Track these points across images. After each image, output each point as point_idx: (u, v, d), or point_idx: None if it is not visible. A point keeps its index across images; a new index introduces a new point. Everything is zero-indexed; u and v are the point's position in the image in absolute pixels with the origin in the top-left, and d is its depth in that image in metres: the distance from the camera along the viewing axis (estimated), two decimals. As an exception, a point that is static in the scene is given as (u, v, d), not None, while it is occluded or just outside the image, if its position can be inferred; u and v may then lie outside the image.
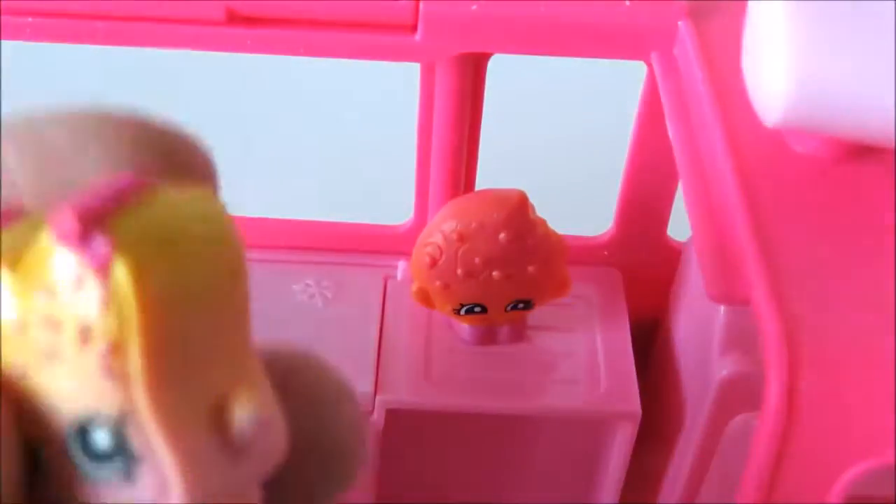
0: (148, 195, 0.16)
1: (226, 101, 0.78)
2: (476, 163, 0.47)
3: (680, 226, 0.46)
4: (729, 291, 0.30)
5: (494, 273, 0.42)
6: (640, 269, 0.49)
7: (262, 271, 0.48)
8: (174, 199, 0.17)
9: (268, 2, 0.39)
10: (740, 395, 0.40)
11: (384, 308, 0.47)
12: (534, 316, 0.45)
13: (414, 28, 0.40)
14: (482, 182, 0.47)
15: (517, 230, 0.41)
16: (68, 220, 0.15)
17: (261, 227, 0.49)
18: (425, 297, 0.43)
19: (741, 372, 0.39)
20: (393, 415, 0.44)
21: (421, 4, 0.40)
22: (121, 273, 0.15)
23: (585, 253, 0.49)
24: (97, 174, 0.17)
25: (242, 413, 0.17)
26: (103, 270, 0.15)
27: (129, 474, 0.17)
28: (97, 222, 0.15)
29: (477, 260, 0.41)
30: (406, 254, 0.48)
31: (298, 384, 0.20)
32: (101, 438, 0.16)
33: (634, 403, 0.44)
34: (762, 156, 0.33)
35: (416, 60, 0.42)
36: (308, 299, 0.47)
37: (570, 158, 0.69)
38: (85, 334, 0.16)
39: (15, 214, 0.17)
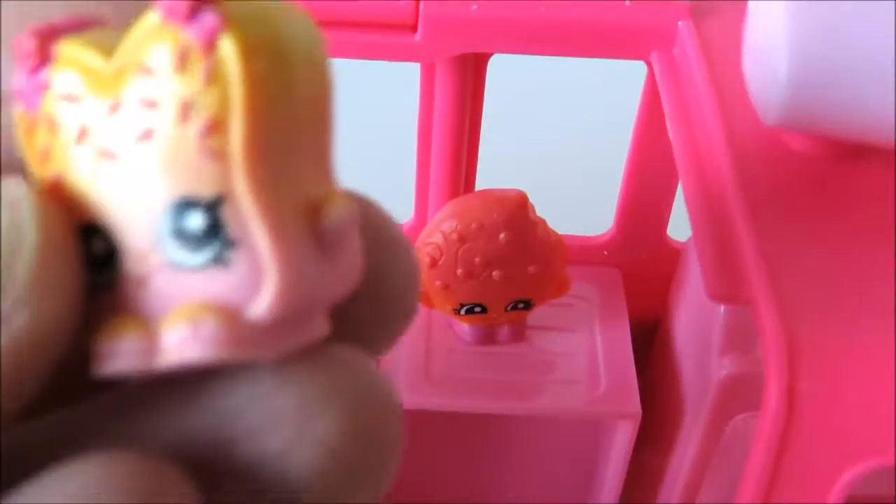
0: None
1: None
2: (476, 163, 0.47)
3: (680, 226, 0.46)
4: (729, 291, 0.30)
5: (494, 273, 0.42)
6: (640, 269, 0.49)
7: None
8: None
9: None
10: (740, 395, 0.39)
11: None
12: (534, 316, 0.45)
13: (414, 28, 0.40)
14: (482, 182, 0.47)
15: (517, 230, 0.41)
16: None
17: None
18: (425, 297, 0.43)
19: (741, 372, 0.39)
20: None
21: (421, 4, 0.40)
22: (227, 48, 0.15)
23: (585, 253, 0.49)
24: None
25: (335, 211, 0.17)
26: (209, 45, 0.15)
27: (224, 259, 0.16)
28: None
29: (477, 260, 0.41)
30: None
31: (363, 222, 0.18)
32: (197, 221, 0.16)
33: (634, 403, 0.44)
34: (762, 155, 0.33)
35: (416, 60, 0.42)
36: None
37: (570, 158, 0.69)
38: (185, 111, 0.16)
39: (91, 22, 0.17)
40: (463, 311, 0.43)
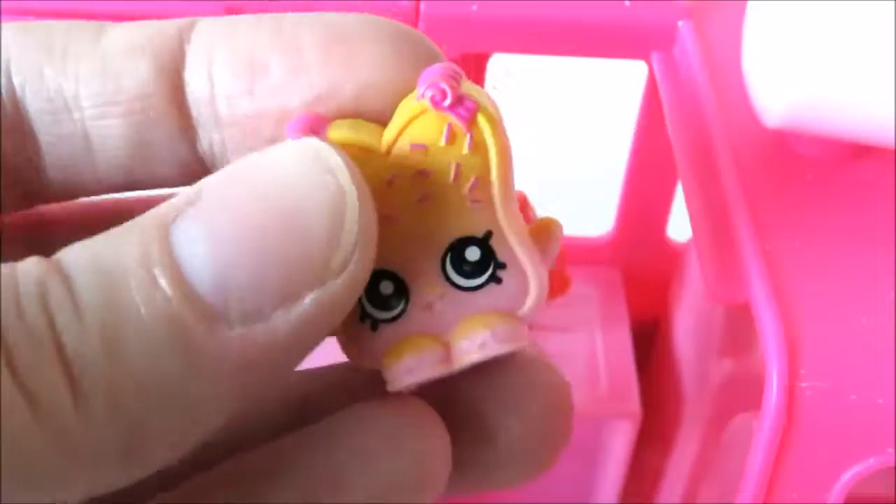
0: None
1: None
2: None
3: (680, 226, 0.46)
4: (729, 291, 0.30)
5: None
6: (640, 269, 0.49)
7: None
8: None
9: (266, 2, 0.39)
10: (740, 395, 0.39)
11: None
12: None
13: (413, 25, 0.40)
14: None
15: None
16: (443, 90, 0.20)
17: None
18: None
19: (741, 372, 0.39)
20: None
21: (421, 4, 0.40)
22: (483, 124, 0.21)
23: (585, 253, 0.49)
24: (377, 63, 0.21)
25: (556, 230, 0.24)
26: (471, 123, 0.20)
27: (498, 277, 0.22)
28: (458, 90, 0.20)
29: None
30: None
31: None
32: (473, 253, 0.22)
33: (634, 403, 0.44)
34: (762, 156, 0.33)
35: (416, 60, 0.41)
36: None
37: (570, 158, 0.69)
38: (459, 174, 0.21)
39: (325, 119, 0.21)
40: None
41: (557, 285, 0.44)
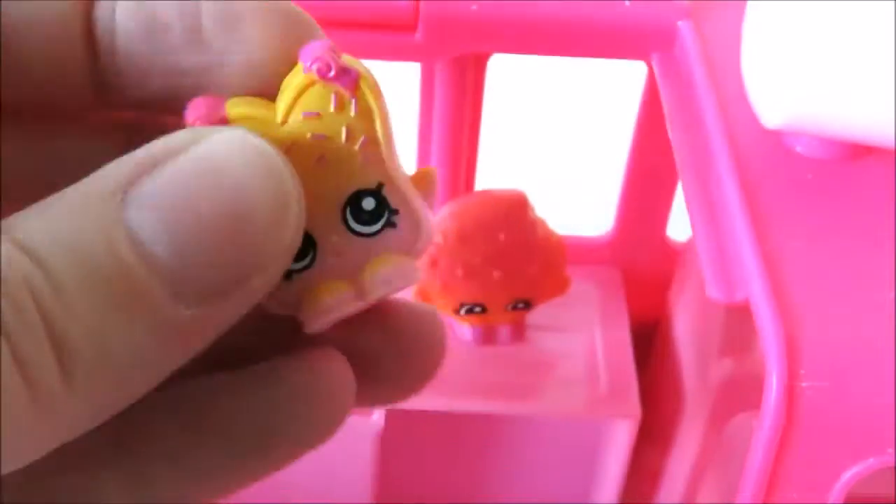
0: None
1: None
2: (476, 163, 0.47)
3: (680, 226, 0.46)
4: (729, 291, 0.30)
5: (494, 273, 0.42)
6: (640, 269, 0.49)
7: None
8: None
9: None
10: (740, 394, 0.39)
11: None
12: (534, 316, 0.45)
13: (414, 28, 0.40)
14: (482, 182, 0.47)
15: (517, 230, 0.41)
16: (328, 63, 0.23)
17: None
18: (426, 298, 0.43)
19: (741, 372, 0.39)
20: (394, 415, 0.44)
21: (421, 4, 0.39)
22: (365, 90, 0.23)
23: (585, 253, 0.49)
24: (264, 40, 0.24)
25: (434, 181, 0.26)
26: (355, 90, 0.23)
27: (392, 222, 0.25)
28: (339, 62, 0.23)
29: (477, 260, 0.41)
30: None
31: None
32: (369, 203, 0.25)
33: (634, 404, 0.44)
34: (762, 156, 0.33)
35: (416, 60, 0.42)
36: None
37: (570, 158, 0.69)
38: (350, 135, 0.24)
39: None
40: (463, 312, 0.43)
41: (556, 285, 0.44)
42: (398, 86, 0.51)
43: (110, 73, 0.24)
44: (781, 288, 0.29)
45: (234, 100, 0.24)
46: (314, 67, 0.23)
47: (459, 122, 0.44)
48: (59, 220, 0.19)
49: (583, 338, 0.46)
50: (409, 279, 0.25)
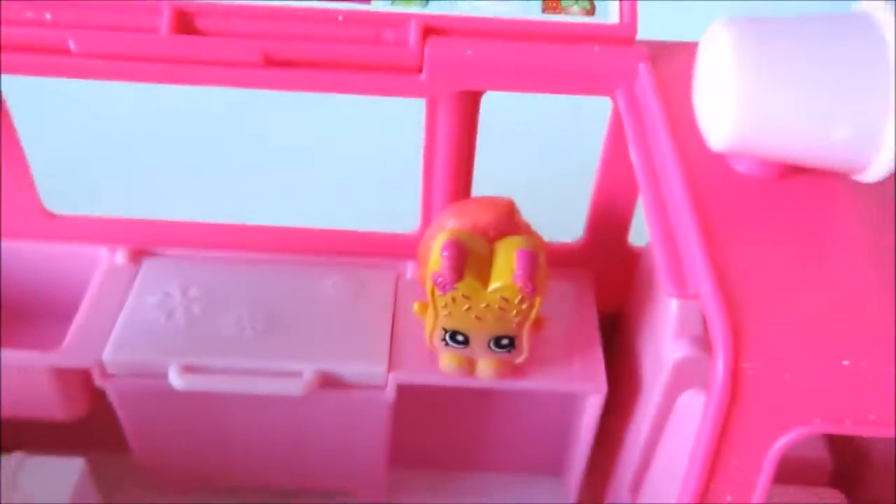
0: None
1: (284, 139, 0.78)
2: (471, 182, 0.46)
3: (639, 233, 0.45)
4: (682, 289, 0.29)
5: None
6: (606, 269, 0.49)
7: (301, 271, 0.47)
8: None
9: (298, 47, 0.39)
10: (689, 374, 0.39)
11: (396, 301, 0.46)
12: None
13: (420, 70, 0.39)
14: (477, 192, 0.47)
15: (505, 229, 0.40)
16: (530, 286, 0.38)
17: (302, 235, 0.49)
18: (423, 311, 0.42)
19: (690, 355, 0.38)
20: (402, 389, 0.44)
21: (426, 51, 0.39)
22: (536, 301, 0.38)
23: (561, 256, 0.48)
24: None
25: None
26: (533, 300, 0.38)
27: (511, 349, 0.40)
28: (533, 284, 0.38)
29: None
30: (413, 256, 0.47)
31: None
32: (506, 341, 0.40)
33: (601, 380, 0.43)
34: (709, 175, 0.33)
35: (421, 96, 0.41)
36: (336, 294, 0.47)
37: (548, 178, 0.68)
38: (518, 312, 0.38)
39: None
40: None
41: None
42: (408, 115, 0.51)
43: None
44: (726, 286, 0.28)
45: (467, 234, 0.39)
46: (519, 284, 0.37)
47: (458, 148, 0.44)
48: None
49: (559, 326, 0.45)
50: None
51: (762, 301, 0.28)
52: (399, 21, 0.39)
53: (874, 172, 0.30)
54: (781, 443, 0.27)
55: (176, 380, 0.42)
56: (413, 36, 0.39)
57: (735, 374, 0.26)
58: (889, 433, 0.27)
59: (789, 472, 0.37)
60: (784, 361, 0.26)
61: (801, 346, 0.26)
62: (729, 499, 0.28)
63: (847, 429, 0.27)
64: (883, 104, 0.29)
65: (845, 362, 0.26)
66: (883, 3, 0.31)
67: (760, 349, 0.26)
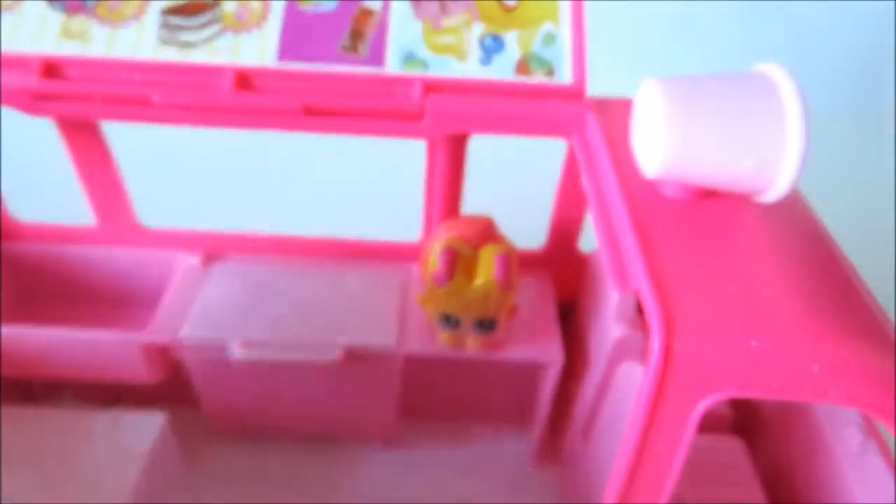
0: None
1: (309, 179, 0.75)
2: (459, 203, 0.45)
3: (588, 242, 0.43)
4: (625, 285, 0.28)
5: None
6: (562, 270, 0.47)
7: (328, 271, 0.46)
8: None
9: (328, 100, 0.37)
10: (626, 349, 0.37)
11: (403, 293, 0.45)
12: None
13: (422, 117, 0.38)
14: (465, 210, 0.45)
15: (486, 239, 0.39)
16: (507, 281, 0.34)
17: (329, 244, 0.47)
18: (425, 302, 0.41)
19: (627, 334, 0.37)
20: (409, 359, 0.42)
21: (427, 103, 0.37)
22: (512, 293, 0.36)
23: (528, 259, 0.46)
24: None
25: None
26: (508, 292, 0.35)
27: (492, 329, 0.38)
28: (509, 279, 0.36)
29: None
30: (417, 259, 0.46)
31: None
32: (487, 322, 0.37)
33: (559, 354, 0.41)
34: (644, 197, 0.31)
35: (423, 138, 0.39)
36: (357, 288, 0.45)
37: (518, 199, 0.67)
38: (497, 302, 0.35)
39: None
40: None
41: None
42: (412, 154, 0.49)
43: None
44: (659, 282, 0.26)
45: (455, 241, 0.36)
46: (498, 279, 0.36)
47: (451, 179, 0.42)
48: None
49: (527, 312, 0.44)
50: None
51: (688, 294, 0.26)
52: (406, 81, 0.37)
53: (773, 194, 0.29)
54: (703, 405, 0.25)
55: (236, 351, 0.40)
56: (416, 92, 0.37)
57: (667, 351, 0.24)
58: (785, 397, 0.25)
59: (699, 423, 0.35)
60: (705, 341, 0.25)
61: (719, 330, 0.25)
62: (662, 447, 0.26)
63: (754, 394, 0.25)
64: (779, 141, 0.27)
65: (753, 343, 0.24)
66: (776, 65, 0.29)
67: (687, 332, 0.25)
